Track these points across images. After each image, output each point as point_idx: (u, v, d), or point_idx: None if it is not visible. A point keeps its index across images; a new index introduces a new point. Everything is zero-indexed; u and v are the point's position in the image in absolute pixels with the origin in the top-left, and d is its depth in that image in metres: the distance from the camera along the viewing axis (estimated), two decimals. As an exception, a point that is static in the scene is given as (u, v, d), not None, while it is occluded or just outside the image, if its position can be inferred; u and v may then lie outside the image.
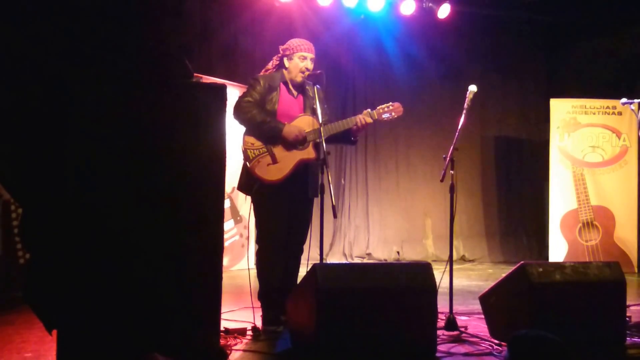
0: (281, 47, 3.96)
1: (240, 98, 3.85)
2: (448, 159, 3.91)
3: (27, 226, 2.85)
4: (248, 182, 3.82)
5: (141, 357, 2.61)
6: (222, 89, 2.92)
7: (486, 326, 3.60)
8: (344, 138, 4.02)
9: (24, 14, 2.89)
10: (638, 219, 7.05)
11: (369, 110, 3.95)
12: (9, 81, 2.81)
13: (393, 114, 3.98)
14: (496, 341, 3.42)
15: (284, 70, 3.93)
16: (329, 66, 7.10)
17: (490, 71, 8.26)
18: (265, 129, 3.76)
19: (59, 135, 2.73)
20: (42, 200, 2.77)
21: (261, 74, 3.98)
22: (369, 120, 3.90)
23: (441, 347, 3.30)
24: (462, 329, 3.69)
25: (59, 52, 2.87)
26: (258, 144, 3.80)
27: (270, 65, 4.01)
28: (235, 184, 3.97)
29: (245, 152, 3.80)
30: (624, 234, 7.02)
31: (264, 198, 3.80)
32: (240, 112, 3.80)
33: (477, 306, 3.87)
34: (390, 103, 4.00)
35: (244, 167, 3.85)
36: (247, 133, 3.84)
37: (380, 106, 3.99)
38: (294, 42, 3.93)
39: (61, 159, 2.72)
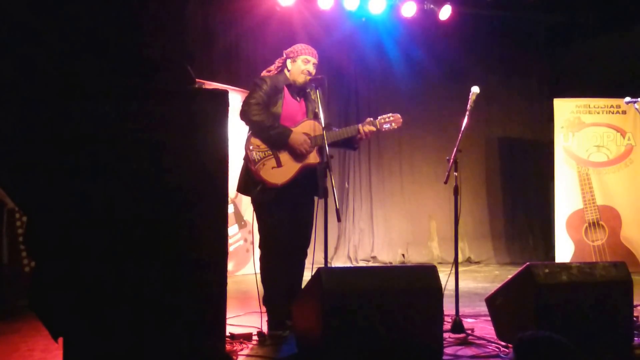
0: (285, 51, 4.01)
1: (248, 99, 3.83)
2: (452, 160, 3.90)
3: (31, 234, 2.85)
4: (248, 184, 3.82)
5: None
6: (224, 95, 2.92)
7: (493, 328, 3.59)
8: (346, 144, 4.07)
9: (24, 18, 2.90)
10: (644, 218, 7.03)
11: (371, 119, 4.00)
12: (10, 88, 2.82)
13: (393, 124, 4.04)
14: (503, 343, 3.41)
15: (286, 71, 3.96)
16: (331, 70, 7.11)
17: (493, 72, 8.25)
18: (273, 134, 3.77)
19: (62, 143, 2.73)
20: (46, 208, 2.77)
21: (264, 74, 3.98)
22: (373, 129, 3.96)
23: (448, 350, 3.30)
24: (469, 332, 3.68)
25: (60, 59, 2.88)
26: (264, 146, 3.80)
27: (273, 67, 4.02)
28: (239, 189, 3.97)
29: (250, 153, 3.79)
30: (630, 234, 6.99)
31: (266, 202, 3.80)
32: (249, 113, 3.78)
33: (483, 308, 3.85)
34: (391, 114, 4.06)
35: (244, 168, 3.85)
36: (253, 135, 3.83)
37: (382, 116, 4.04)
38: (298, 46, 4.00)
39: (64, 166, 2.72)
